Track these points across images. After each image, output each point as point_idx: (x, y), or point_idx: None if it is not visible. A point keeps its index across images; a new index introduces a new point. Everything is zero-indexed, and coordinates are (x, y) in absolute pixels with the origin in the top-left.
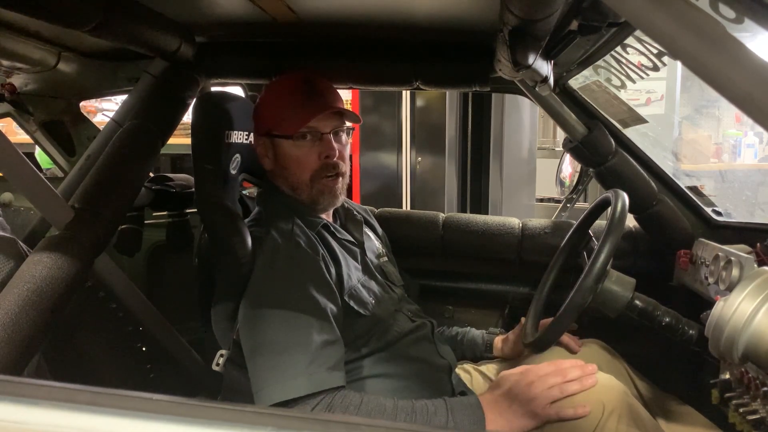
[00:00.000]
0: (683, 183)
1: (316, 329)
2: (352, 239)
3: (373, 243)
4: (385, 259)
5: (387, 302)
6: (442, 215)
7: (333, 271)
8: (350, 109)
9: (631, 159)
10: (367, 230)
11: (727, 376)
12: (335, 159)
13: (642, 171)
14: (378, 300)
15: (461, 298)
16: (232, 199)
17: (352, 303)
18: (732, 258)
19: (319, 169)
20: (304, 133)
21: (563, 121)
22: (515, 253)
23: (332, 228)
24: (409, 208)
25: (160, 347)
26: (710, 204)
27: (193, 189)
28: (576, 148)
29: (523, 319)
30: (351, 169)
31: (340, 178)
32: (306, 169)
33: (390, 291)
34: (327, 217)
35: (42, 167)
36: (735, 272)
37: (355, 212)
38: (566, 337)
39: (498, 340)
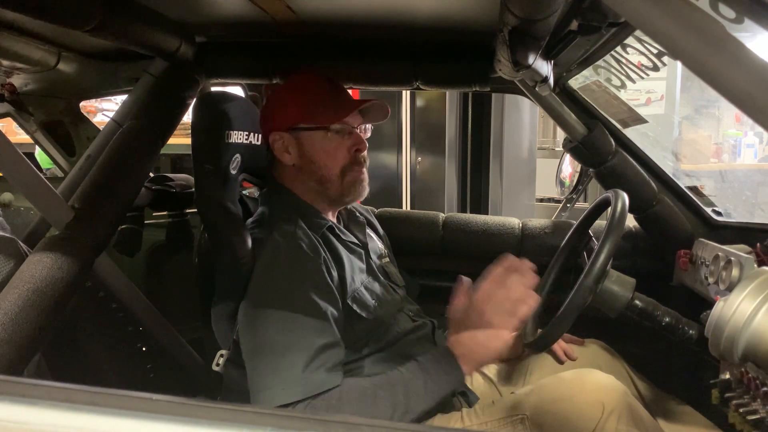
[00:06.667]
0: (683, 183)
1: (316, 332)
2: (356, 241)
3: (376, 244)
4: (387, 260)
5: (389, 303)
6: (442, 215)
7: (335, 274)
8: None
9: (631, 159)
10: (369, 231)
11: (727, 376)
12: (364, 152)
13: (642, 171)
14: (380, 302)
15: None
16: (232, 200)
17: (354, 306)
18: (732, 258)
19: (349, 162)
20: (338, 127)
21: (563, 121)
22: (515, 253)
23: (337, 230)
24: (409, 208)
25: (160, 347)
26: (710, 204)
27: (193, 189)
28: (576, 148)
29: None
30: None
31: (365, 170)
32: (337, 162)
33: (392, 292)
34: (332, 218)
35: (42, 167)
36: (735, 272)
37: (357, 213)
38: (562, 344)
39: None
